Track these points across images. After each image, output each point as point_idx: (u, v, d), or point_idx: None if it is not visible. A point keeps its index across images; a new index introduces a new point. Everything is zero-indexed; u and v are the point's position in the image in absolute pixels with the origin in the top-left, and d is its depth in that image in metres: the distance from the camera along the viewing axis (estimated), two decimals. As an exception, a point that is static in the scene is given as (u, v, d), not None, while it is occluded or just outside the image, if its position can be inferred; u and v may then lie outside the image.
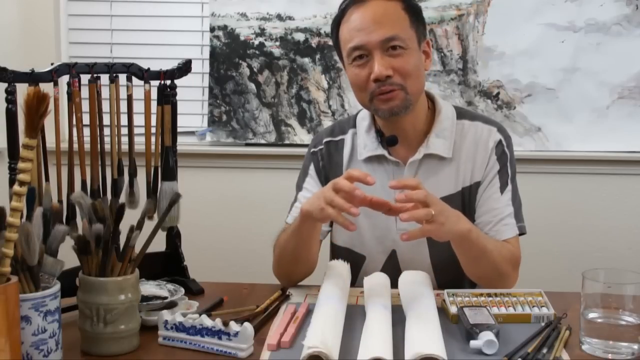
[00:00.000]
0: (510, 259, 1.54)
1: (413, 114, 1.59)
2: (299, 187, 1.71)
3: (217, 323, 1.22)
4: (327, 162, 1.69)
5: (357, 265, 1.66)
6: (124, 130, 1.54)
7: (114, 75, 1.52)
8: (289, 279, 1.60)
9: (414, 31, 1.56)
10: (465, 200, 1.62)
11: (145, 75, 1.56)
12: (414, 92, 1.57)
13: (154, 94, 1.57)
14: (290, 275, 1.60)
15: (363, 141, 1.66)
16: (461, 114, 1.67)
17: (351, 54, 1.55)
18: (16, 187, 1.09)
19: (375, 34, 1.52)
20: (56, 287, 1.15)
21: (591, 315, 1.24)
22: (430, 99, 1.67)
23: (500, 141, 1.63)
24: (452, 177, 1.62)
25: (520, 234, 1.61)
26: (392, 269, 1.61)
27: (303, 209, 1.46)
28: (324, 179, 1.68)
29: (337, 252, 1.70)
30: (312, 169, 1.70)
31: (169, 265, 1.64)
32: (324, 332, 1.20)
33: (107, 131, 1.51)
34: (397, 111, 1.55)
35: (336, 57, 2.62)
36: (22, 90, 1.20)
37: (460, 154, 1.62)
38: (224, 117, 2.71)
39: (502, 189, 1.60)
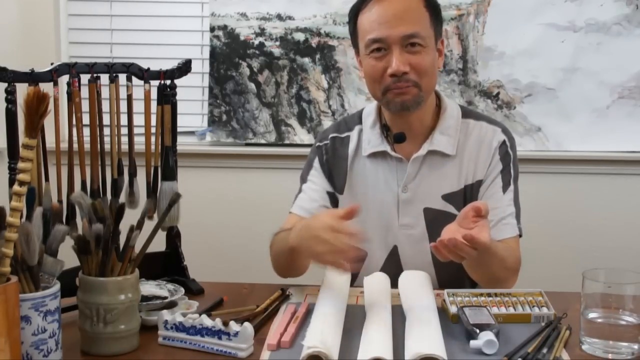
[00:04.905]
0: (513, 263, 1.54)
1: (421, 111, 1.60)
2: (304, 179, 1.72)
3: (217, 323, 1.22)
4: (331, 157, 1.70)
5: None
6: (124, 130, 1.54)
7: (114, 75, 1.52)
8: (284, 275, 1.63)
9: (433, 30, 1.58)
10: (467, 198, 1.62)
11: (145, 75, 1.55)
12: (428, 89, 1.58)
13: (154, 94, 1.57)
14: (285, 274, 1.63)
15: (368, 137, 1.67)
16: (466, 113, 1.68)
17: (370, 46, 1.56)
18: (16, 187, 1.09)
19: (397, 29, 1.52)
20: (56, 287, 1.15)
21: (591, 315, 1.24)
22: (437, 96, 1.68)
23: (504, 141, 1.64)
24: (455, 174, 1.62)
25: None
26: (393, 266, 1.61)
27: (294, 244, 1.42)
28: (327, 172, 1.69)
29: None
30: (316, 162, 1.71)
31: (169, 265, 1.64)
32: (323, 332, 1.20)
33: (107, 131, 1.51)
34: (409, 106, 1.56)
35: (336, 57, 2.64)
36: (22, 90, 1.20)
37: (464, 152, 1.63)
38: (224, 117, 2.70)
39: (505, 188, 1.61)
